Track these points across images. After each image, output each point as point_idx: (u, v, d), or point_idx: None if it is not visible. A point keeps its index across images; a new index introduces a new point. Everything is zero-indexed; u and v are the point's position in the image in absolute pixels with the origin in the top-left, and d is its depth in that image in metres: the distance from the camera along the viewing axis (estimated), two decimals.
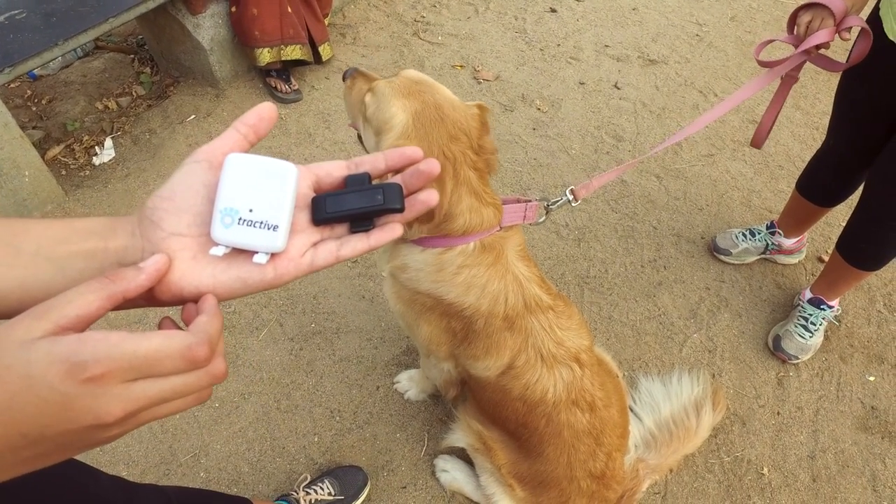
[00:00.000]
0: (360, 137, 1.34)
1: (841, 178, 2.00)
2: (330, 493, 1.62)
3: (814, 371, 2.11)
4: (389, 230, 0.53)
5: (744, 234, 2.39)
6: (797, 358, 2.08)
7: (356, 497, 1.69)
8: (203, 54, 3.06)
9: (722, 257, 2.42)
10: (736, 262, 2.41)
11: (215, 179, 0.48)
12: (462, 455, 1.80)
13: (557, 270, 2.40)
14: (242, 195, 0.47)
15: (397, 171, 0.55)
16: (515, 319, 1.29)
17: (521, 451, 1.51)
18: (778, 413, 2.00)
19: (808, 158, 2.15)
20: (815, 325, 2.09)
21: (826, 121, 2.98)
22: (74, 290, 0.38)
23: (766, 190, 2.72)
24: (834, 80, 3.34)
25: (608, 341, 2.19)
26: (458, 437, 1.76)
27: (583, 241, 2.51)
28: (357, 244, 0.52)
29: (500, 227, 1.30)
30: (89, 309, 0.38)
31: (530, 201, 1.36)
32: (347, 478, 1.69)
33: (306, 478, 1.70)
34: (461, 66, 3.40)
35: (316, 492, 1.60)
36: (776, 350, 2.11)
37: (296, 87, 3.16)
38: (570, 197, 1.44)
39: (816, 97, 3.17)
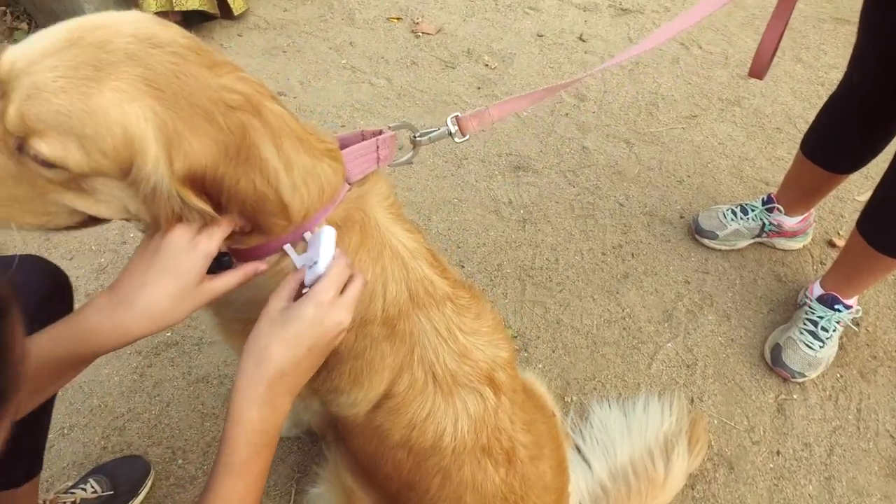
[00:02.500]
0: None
1: (863, 132, 1.47)
2: (96, 492, 1.30)
3: (826, 393, 1.58)
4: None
5: (734, 213, 1.85)
6: (803, 375, 1.55)
7: (134, 492, 1.37)
8: (77, 5, 2.52)
9: (706, 241, 1.88)
10: (724, 248, 1.87)
11: None
12: None
13: (493, 260, 1.85)
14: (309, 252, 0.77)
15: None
16: (397, 320, 0.88)
17: None
18: (778, 453, 1.47)
19: (811, 119, 1.61)
20: (826, 331, 1.56)
21: (834, 76, 2.44)
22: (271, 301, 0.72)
23: (760, 157, 2.18)
24: (842, 27, 2.81)
25: (553, 354, 1.65)
26: (322, 493, 1.26)
27: (529, 221, 1.97)
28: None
29: (350, 185, 0.84)
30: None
31: (380, 132, 0.88)
32: (121, 470, 1.38)
33: (66, 485, 1.35)
34: (398, 19, 2.86)
35: (72, 493, 1.27)
36: (776, 365, 1.58)
37: None
38: (453, 128, 0.96)
39: (821, 48, 2.63)
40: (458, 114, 0.99)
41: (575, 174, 2.14)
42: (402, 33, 2.77)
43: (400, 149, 0.99)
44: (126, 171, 0.63)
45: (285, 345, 0.69)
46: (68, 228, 0.73)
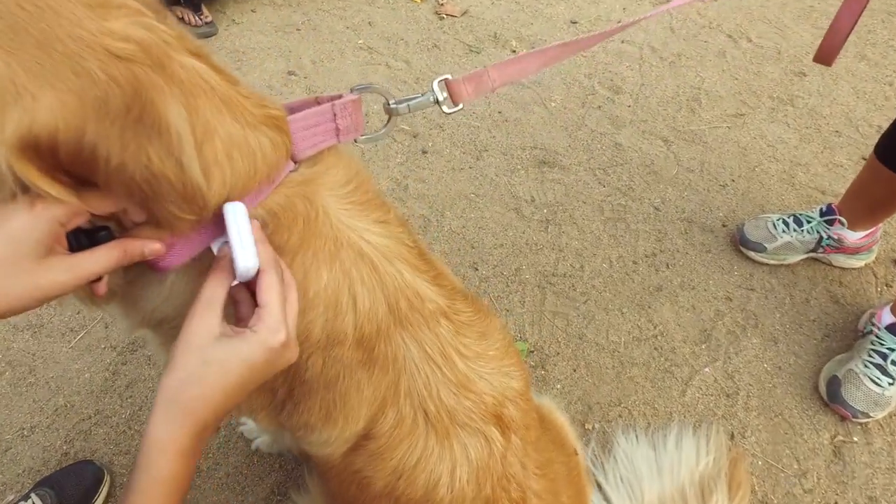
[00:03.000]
0: None
1: None
2: None
3: (894, 437, 1.36)
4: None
5: (785, 223, 1.64)
6: (867, 415, 1.34)
7: (87, 502, 1.23)
8: None
9: (752, 254, 1.67)
10: (772, 262, 1.66)
11: None
12: None
13: (511, 263, 1.66)
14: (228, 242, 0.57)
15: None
16: (376, 341, 0.71)
17: None
18: None
19: (877, 123, 1.41)
20: None
21: None
22: (192, 311, 0.55)
23: (816, 163, 1.96)
24: None
25: (575, 373, 1.45)
26: None
27: (552, 222, 1.77)
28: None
29: (296, 162, 0.65)
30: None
31: (340, 97, 0.68)
32: (69, 480, 1.23)
33: (10, 499, 1.24)
34: (421, 0, 2.67)
35: None
36: (833, 401, 1.37)
37: (208, 20, 2.55)
38: (441, 94, 0.76)
39: (890, 45, 2.39)
40: (447, 76, 0.78)
41: (606, 173, 1.93)
42: (424, 14, 2.59)
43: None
44: None
45: (223, 395, 0.53)
46: None
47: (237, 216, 0.55)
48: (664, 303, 1.61)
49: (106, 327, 1.52)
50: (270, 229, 0.62)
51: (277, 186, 0.61)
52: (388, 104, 0.76)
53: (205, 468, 1.30)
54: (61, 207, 0.48)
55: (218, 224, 0.57)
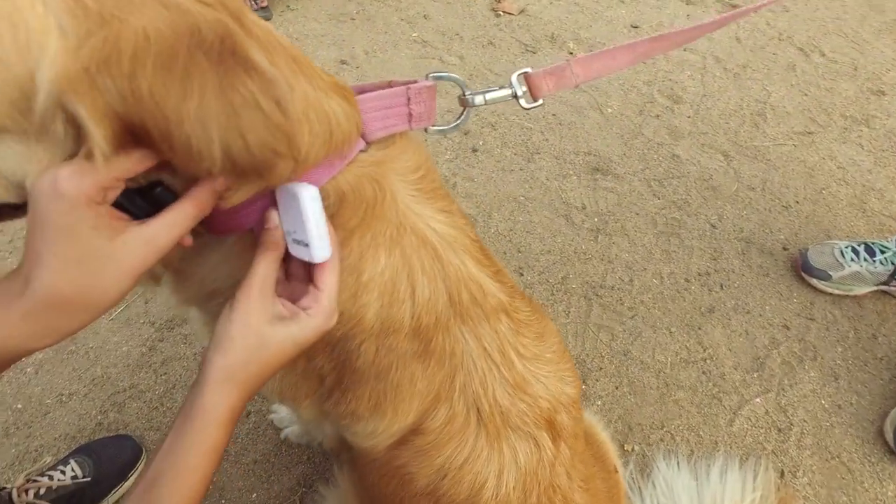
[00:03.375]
0: None
1: None
2: (75, 476, 1.14)
3: None
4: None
5: (855, 251, 1.54)
6: None
7: (122, 476, 1.22)
8: None
9: (815, 282, 1.57)
10: (837, 292, 1.56)
11: None
12: None
13: (557, 271, 1.61)
14: (289, 219, 0.54)
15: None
16: (434, 333, 0.68)
17: None
18: None
19: None
20: None
21: None
22: (250, 291, 0.52)
23: (892, 189, 1.85)
24: None
25: (617, 391, 1.39)
26: None
27: (603, 232, 1.71)
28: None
29: (367, 143, 0.61)
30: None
31: (414, 82, 0.63)
32: (108, 452, 1.21)
33: (46, 461, 1.21)
34: None
35: (50, 477, 1.12)
36: None
37: (264, 4, 2.59)
38: (521, 88, 0.72)
39: None
40: (528, 69, 0.73)
41: (661, 184, 1.86)
42: (481, 10, 2.55)
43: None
44: (22, 108, 0.41)
45: (273, 372, 0.55)
46: None
47: (314, 200, 0.53)
48: (716, 325, 1.53)
49: (146, 303, 1.53)
50: (334, 209, 0.58)
51: (348, 164, 0.58)
52: (464, 95, 0.72)
53: (232, 453, 1.28)
54: (89, 178, 0.43)
55: (272, 196, 0.55)
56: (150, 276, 0.57)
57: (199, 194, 0.49)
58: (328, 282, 0.56)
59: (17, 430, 1.27)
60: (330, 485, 1.13)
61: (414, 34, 2.38)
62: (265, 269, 0.53)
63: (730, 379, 1.43)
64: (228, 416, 0.53)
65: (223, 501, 1.21)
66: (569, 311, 1.53)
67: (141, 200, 0.48)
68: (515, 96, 0.72)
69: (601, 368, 1.43)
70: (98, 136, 0.41)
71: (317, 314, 0.55)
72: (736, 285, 1.61)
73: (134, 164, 0.44)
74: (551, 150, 1.93)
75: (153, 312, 1.50)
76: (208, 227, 0.55)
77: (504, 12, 2.54)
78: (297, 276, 0.59)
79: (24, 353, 0.45)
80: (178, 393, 1.37)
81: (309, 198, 0.52)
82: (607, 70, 0.75)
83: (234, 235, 0.58)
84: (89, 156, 0.42)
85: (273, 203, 0.55)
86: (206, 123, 0.43)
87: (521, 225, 1.70)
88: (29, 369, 1.36)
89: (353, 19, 2.45)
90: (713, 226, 1.75)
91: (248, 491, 1.23)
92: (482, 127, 1.98)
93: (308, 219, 0.52)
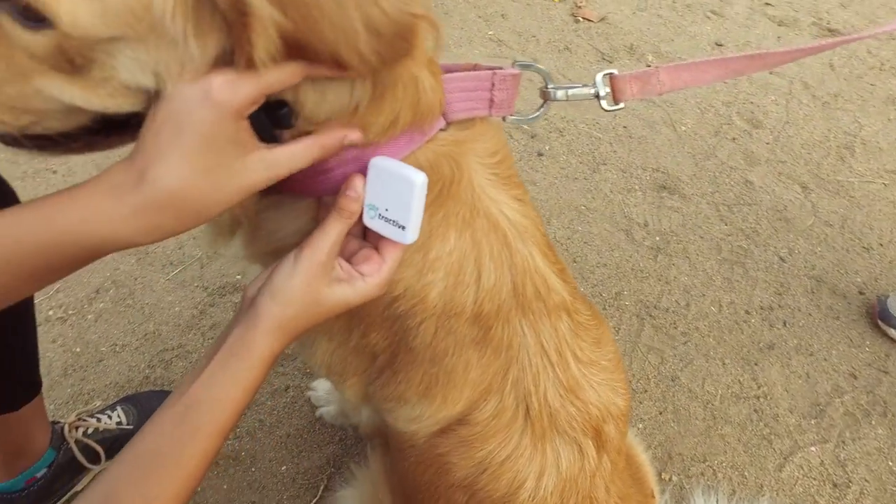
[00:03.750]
0: None
1: None
2: (120, 422, 1.18)
3: None
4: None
5: None
6: None
7: None
8: None
9: (892, 332, 1.47)
10: None
11: None
12: None
13: (612, 286, 1.56)
14: (382, 195, 0.54)
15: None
16: (494, 321, 0.67)
17: None
18: None
19: None
20: None
21: None
22: (319, 252, 0.53)
23: None
24: None
25: (660, 416, 1.34)
26: (352, 498, 1.08)
27: (663, 252, 1.65)
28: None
29: (447, 122, 0.61)
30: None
31: (500, 68, 0.63)
32: (152, 404, 1.24)
33: (96, 405, 1.25)
34: None
35: (98, 420, 1.16)
36: None
37: None
38: (604, 89, 0.70)
39: None
40: (613, 70, 0.72)
41: (730, 210, 1.78)
42: (560, 14, 2.50)
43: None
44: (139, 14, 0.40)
45: (315, 324, 0.57)
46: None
47: (424, 187, 0.54)
48: (774, 363, 1.45)
49: (201, 267, 1.57)
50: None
51: (428, 141, 0.58)
52: (546, 87, 0.71)
53: (268, 423, 1.30)
54: (241, 90, 0.43)
55: (393, 143, 0.56)
56: (232, 221, 0.58)
57: (328, 139, 0.50)
58: (395, 256, 0.57)
59: (73, 372, 1.33)
60: (362, 465, 1.13)
61: (490, 32, 2.36)
62: (336, 235, 0.54)
63: (783, 422, 1.35)
64: (271, 360, 0.55)
65: (254, 469, 1.23)
66: (619, 329, 1.48)
67: (264, 117, 0.48)
68: (598, 96, 0.70)
69: (646, 391, 1.38)
70: (259, 45, 0.41)
71: (374, 284, 0.57)
72: (801, 324, 1.52)
73: (287, 76, 0.45)
74: (618, 163, 1.88)
75: (207, 277, 1.54)
76: (290, 187, 0.56)
77: (584, 18, 2.49)
78: (352, 232, 0.60)
79: (125, 245, 0.47)
80: None
81: (421, 184, 0.53)
82: (695, 82, 0.72)
83: (308, 199, 0.59)
84: (250, 64, 0.42)
85: (359, 171, 0.55)
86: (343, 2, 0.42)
87: (580, 235, 1.66)
88: (90, 316, 1.42)
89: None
90: (782, 259, 1.66)
91: (278, 463, 1.25)
92: (550, 132, 1.95)
93: (413, 205, 0.53)
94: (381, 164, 0.54)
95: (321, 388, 1.33)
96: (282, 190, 0.56)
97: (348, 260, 0.58)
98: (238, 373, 0.53)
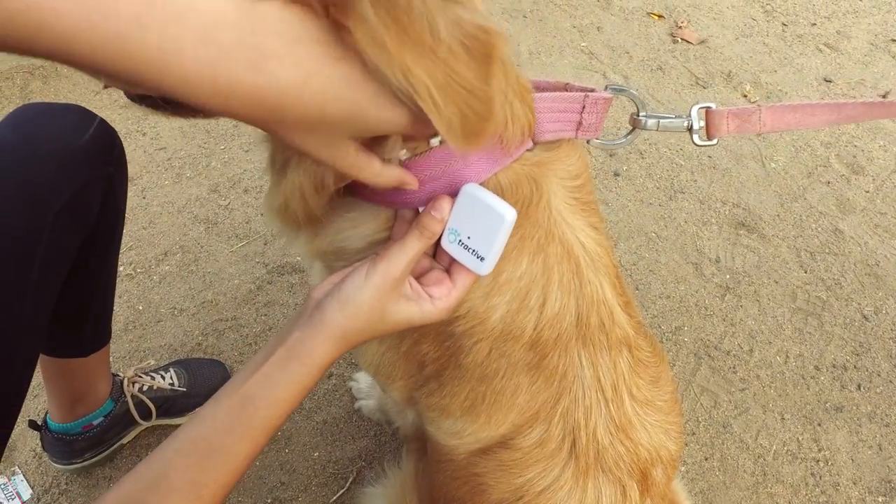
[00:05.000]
0: None
1: None
2: (173, 384, 1.23)
3: None
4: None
5: None
6: None
7: (209, 397, 1.19)
8: None
9: None
10: None
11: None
12: None
13: (672, 320, 1.50)
14: (467, 222, 0.54)
15: None
16: (551, 350, 0.66)
17: None
18: None
19: None
20: None
21: None
22: (394, 268, 0.54)
23: None
24: None
25: (706, 463, 1.27)
26: (379, 497, 1.07)
27: (733, 292, 1.56)
28: None
29: (534, 143, 0.62)
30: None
31: (592, 90, 0.62)
32: (203, 372, 1.29)
33: (150, 363, 1.31)
34: (659, 17, 2.51)
35: (153, 378, 1.22)
36: None
37: None
38: (698, 122, 0.67)
39: None
40: (710, 104, 0.69)
41: (813, 257, 1.66)
42: (657, 33, 2.42)
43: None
44: None
45: (376, 337, 0.59)
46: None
47: (512, 224, 0.55)
48: (841, 428, 1.34)
49: (265, 244, 1.61)
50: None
51: (513, 159, 0.57)
52: (638, 114, 0.68)
53: (306, 407, 1.33)
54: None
55: (485, 162, 0.56)
56: (306, 216, 0.58)
57: (405, 176, 0.53)
58: (466, 284, 0.58)
59: (133, 329, 1.40)
60: (395, 465, 1.13)
61: (583, 43, 2.32)
62: (414, 253, 0.54)
63: (845, 492, 1.25)
64: (328, 366, 0.56)
65: (287, 451, 1.25)
66: (674, 365, 1.41)
67: None
68: (690, 129, 0.67)
69: (694, 434, 1.31)
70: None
71: (441, 308, 0.57)
72: (878, 390, 1.40)
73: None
74: (697, 193, 1.79)
75: (269, 255, 1.59)
76: (368, 195, 0.57)
77: (682, 39, 2.40)
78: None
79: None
80: (273, 336, 1.44)
81: (511, 221, 0.54)
82: (799, 125, 0.68)
83: (382, 207, 0.59)
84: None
85: (446, 192, 0.56)
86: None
87: (646, 262, 1.60)
88: (155, 277, 1.50)
89: (525, 17, 2.43)
90: (865, 317, 1.54)
91: (311, 448, 1.27)
92: (629, 152, 1.89)
93: (498, 239, 0.54)
94: (473, 192, 0.54)
95: (363, 380, 1.35)
96: (356, 194, 0.57)
97: (417, 278, 0.58)
98: (295, 375, 0.54)
